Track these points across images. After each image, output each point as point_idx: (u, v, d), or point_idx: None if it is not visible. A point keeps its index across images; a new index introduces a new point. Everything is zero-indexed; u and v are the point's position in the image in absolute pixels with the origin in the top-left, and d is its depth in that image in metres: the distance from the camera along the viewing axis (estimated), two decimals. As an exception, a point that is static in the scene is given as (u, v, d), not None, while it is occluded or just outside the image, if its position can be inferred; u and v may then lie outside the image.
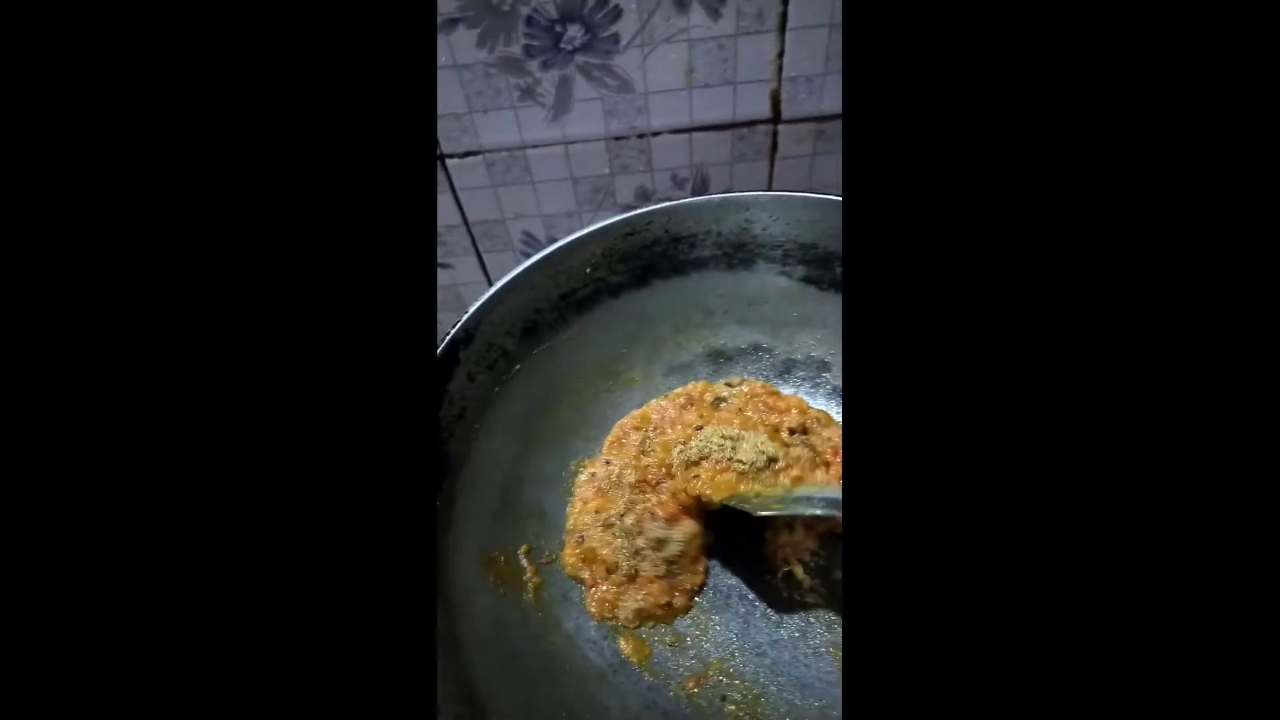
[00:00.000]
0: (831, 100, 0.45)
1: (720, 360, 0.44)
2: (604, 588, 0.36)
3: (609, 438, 0.41)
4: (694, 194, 0.50)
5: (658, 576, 0.36)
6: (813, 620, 0.36)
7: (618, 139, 0.46)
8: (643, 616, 0.36)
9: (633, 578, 0.36)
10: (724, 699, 0.34)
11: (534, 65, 0.41)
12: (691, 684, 0.34)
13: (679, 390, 0.42)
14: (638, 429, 0.40)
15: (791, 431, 0.39)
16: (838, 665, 0.35)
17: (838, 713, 0.34)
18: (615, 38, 0.41)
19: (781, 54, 0.42)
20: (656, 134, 0.46)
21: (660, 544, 0.36)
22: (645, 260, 0.42)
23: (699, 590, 0.37)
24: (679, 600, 0.37)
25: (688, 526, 0.36)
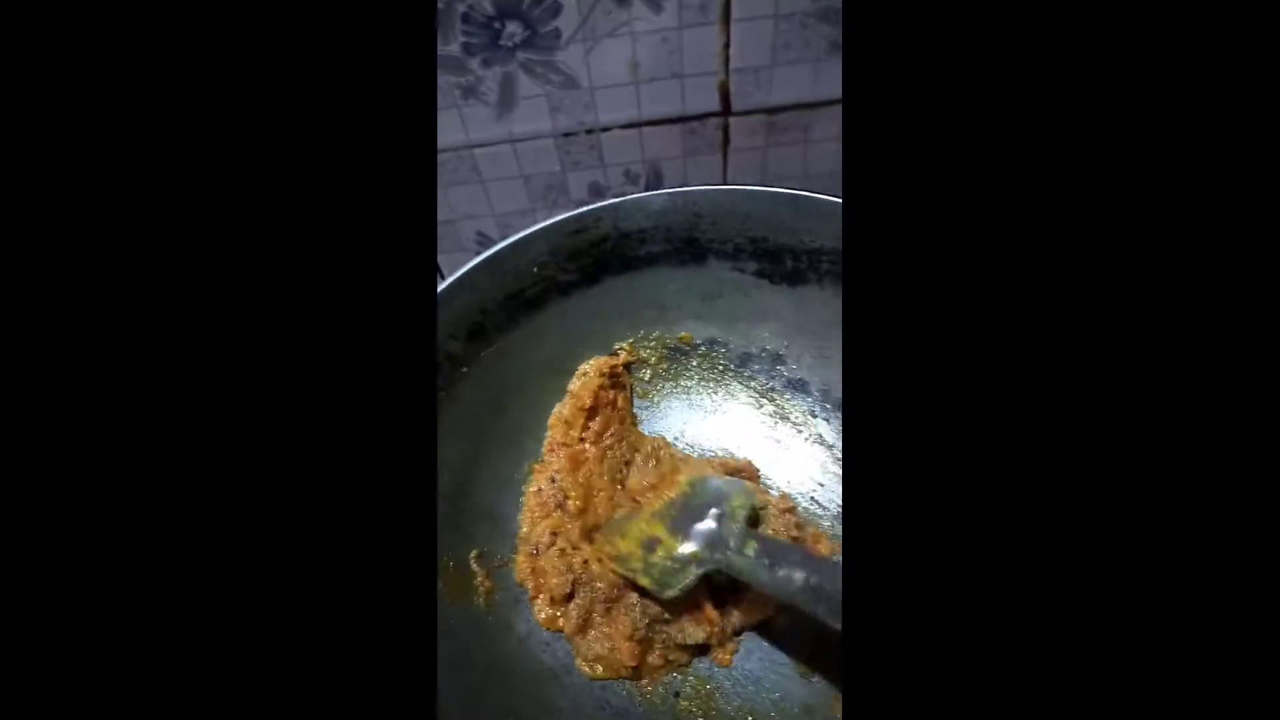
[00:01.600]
0: (781, 91, 0.45)
1: (676, 355, 0.44)
2: (554, 612, 0.36)
3: (548, 437, 0.40)
4: (647, 189, 0.49)
5: (629, 637, 0.34)
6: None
7: (567, 135, 0.45)
8: (605, 664, 0.34)
9: (585, 623, 0.35)
10: (677, 695, 0.34)
11: (474, 63, 0.41)
12: (644, 681, 0.34)
13: (591, 363, 0.42)
14: (569, 423, 0.40)
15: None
16: (790, 658, 0.35)
17: (791, 705, 0.34)
18: (556, 33, 0.40)
19: (728, 46, 0.42)
20: (606, 129, 0.45)
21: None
22: (595, 257, 0.41)
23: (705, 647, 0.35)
24: (657, 659, 0.34)
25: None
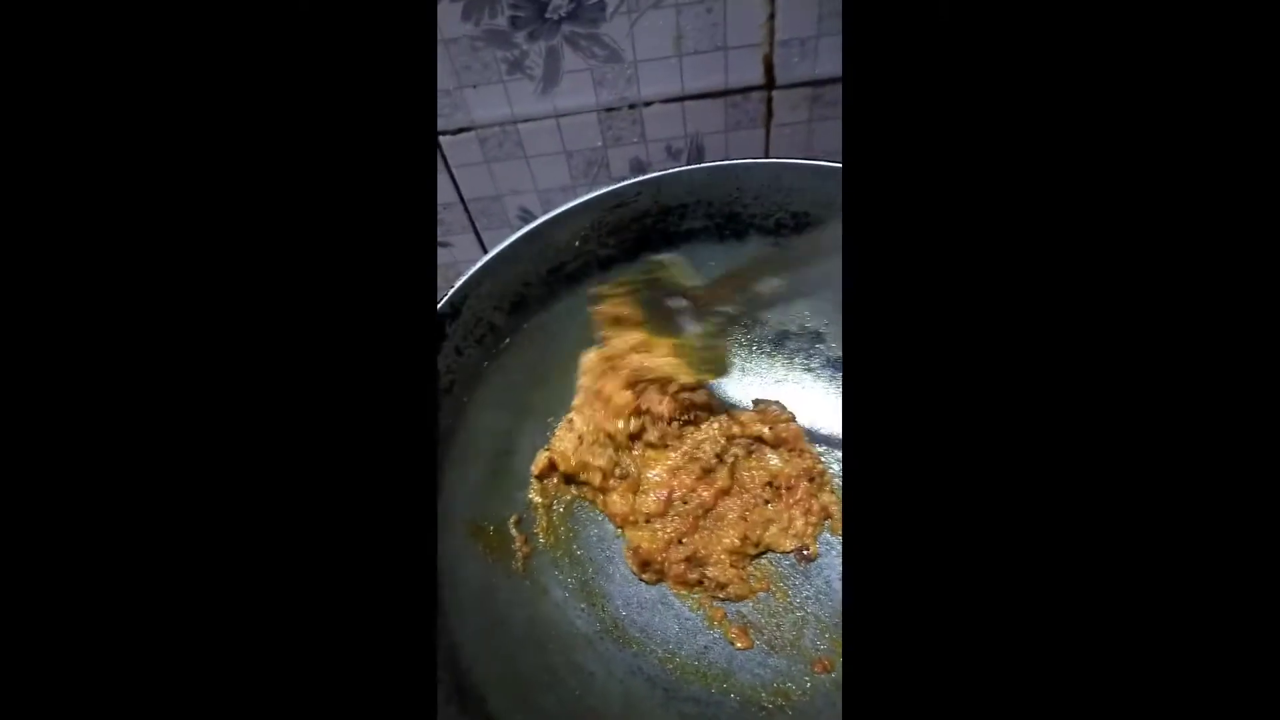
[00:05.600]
0: (826, 64, 0.44)
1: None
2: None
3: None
4: (689, 164, 0.49)
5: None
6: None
7: (609, 110, 0.45)
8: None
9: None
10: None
11: (520, 37, 0.41)
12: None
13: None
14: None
15: None
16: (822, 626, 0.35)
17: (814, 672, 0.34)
18: (601, 5, 0.40)
19: (773, 16, 0.41)
20: (648, 104, 0.45)
21: None
22: (635, 233, 0.41)
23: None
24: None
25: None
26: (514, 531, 0.37)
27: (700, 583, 0.37)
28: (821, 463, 0.41)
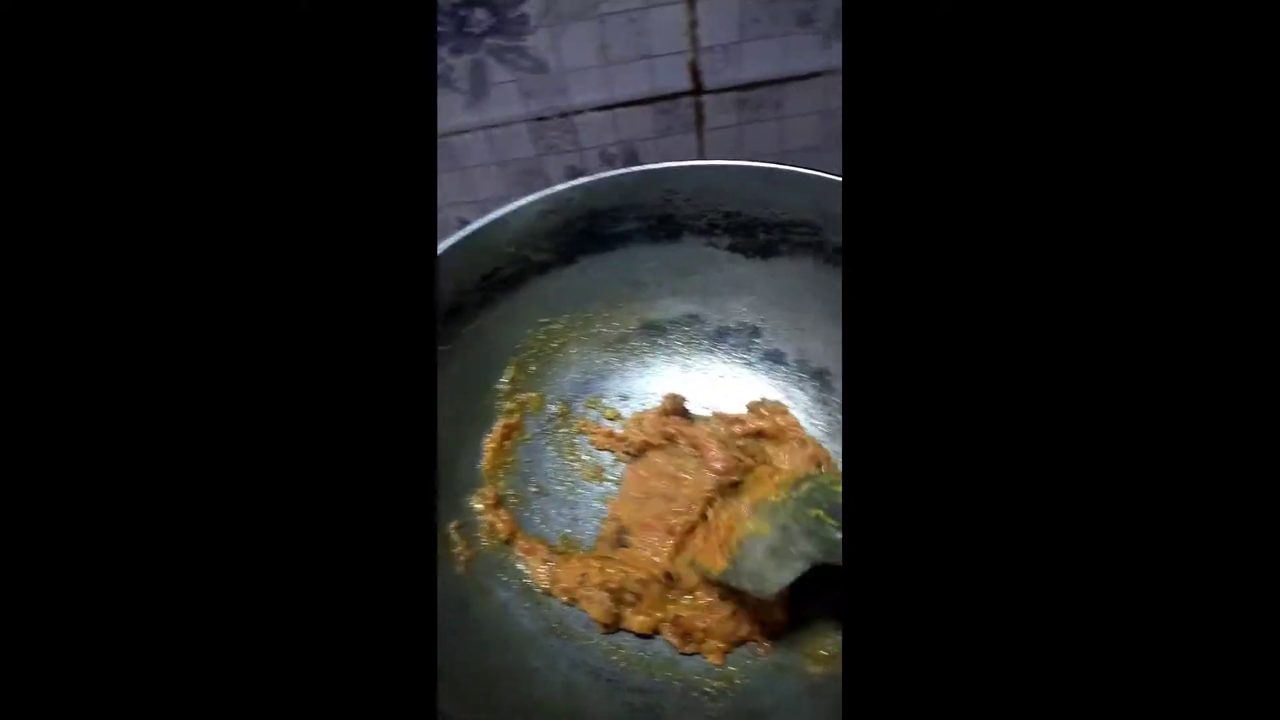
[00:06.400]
0: (751, 68, 0.45)
1: (654, 333, 0.45)
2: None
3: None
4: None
5: None
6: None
7: (540, 120, 0.46)
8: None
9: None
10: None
11: (444, 51, 0.42)
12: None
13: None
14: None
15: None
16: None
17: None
18: (523, 18, 0.41)
19: (695, 24, 0.43)
20: (579, 113, 0.46)
21: None
22: (569, 237, 0.42)
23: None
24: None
25: None
26: (454, 535, 0.37)
27: (744, 640, 0.34)
28: (823, 448, 0.40)
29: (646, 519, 0.37)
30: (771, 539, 0.32)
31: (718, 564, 0.33)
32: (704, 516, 0.36)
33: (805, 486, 0.32)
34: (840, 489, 0.31)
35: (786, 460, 0.37)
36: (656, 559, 0.35)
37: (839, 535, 0.29)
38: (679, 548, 0.35)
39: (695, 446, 0.38)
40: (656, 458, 0.39)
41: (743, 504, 0.35)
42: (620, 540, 0.37)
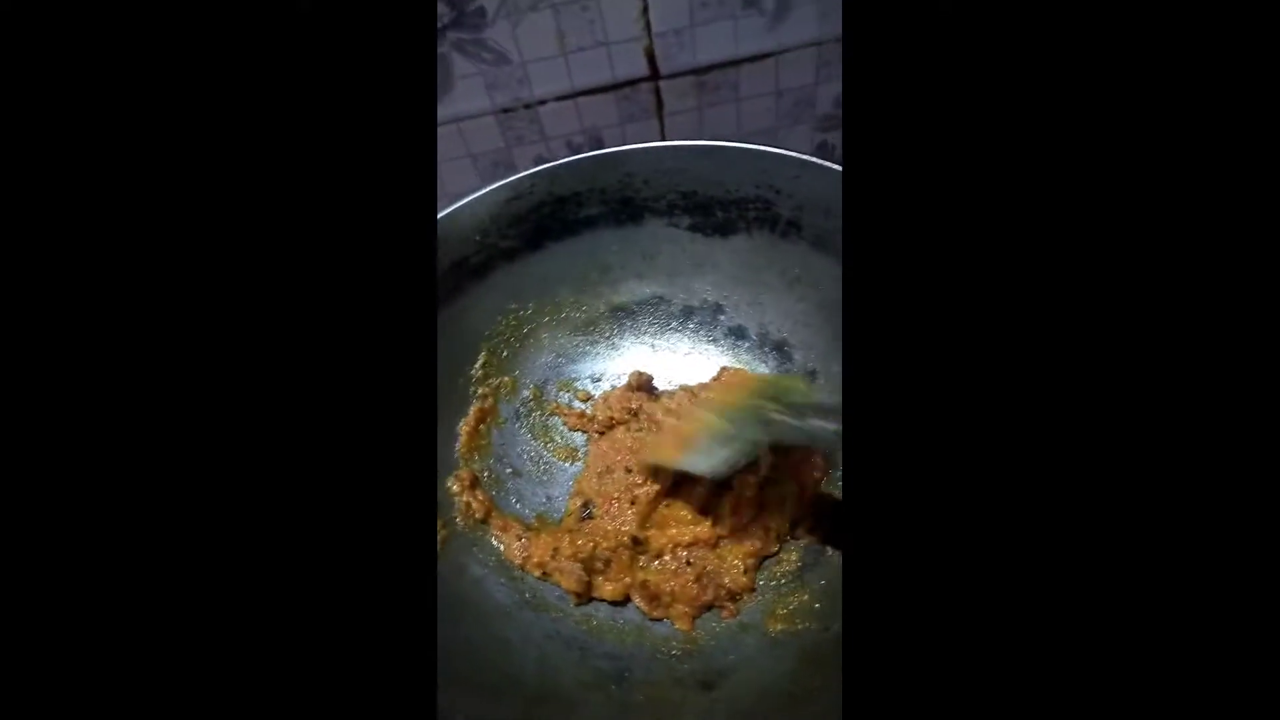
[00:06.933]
0: (705, 51, 0.46)
1: (622, 315, 0.46)
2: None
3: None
4: (587, 157, 0.51)
5: None
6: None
7: (506, 111, 0.47)
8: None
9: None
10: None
11: (406, 47, 0.43)
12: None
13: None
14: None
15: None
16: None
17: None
18: (481, 11, 0.42)
19: (646, 10, 0.44)
20: (542, 103, 0.47)
21: None
22: (534, 223, 0.43)
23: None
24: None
25: None
26: (430, 516, 0.38)
27: (710, 605, 0.36)
28: None
29: (611, 491, 0.38)
30: (722, 428, 0.34)
31: (673, 457, 0.35)
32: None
33: (761, 386, 0.35)
34: (798, 389, 0.34)
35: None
36: (625, 528, 0.36)
37: (787, 420, 0.32)
38: (644, 517, 0.36)
39: (653, 422, 0.39)
40: (618, 433, 0.40)
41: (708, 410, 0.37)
42: (586, 513, 0.38)
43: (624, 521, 0.37)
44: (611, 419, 0.41)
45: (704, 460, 0.34)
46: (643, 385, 0.42)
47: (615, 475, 0.38)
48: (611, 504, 0.37)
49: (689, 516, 0.36)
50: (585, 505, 0.39)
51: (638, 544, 0.36)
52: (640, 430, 0.40)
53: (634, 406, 0.40)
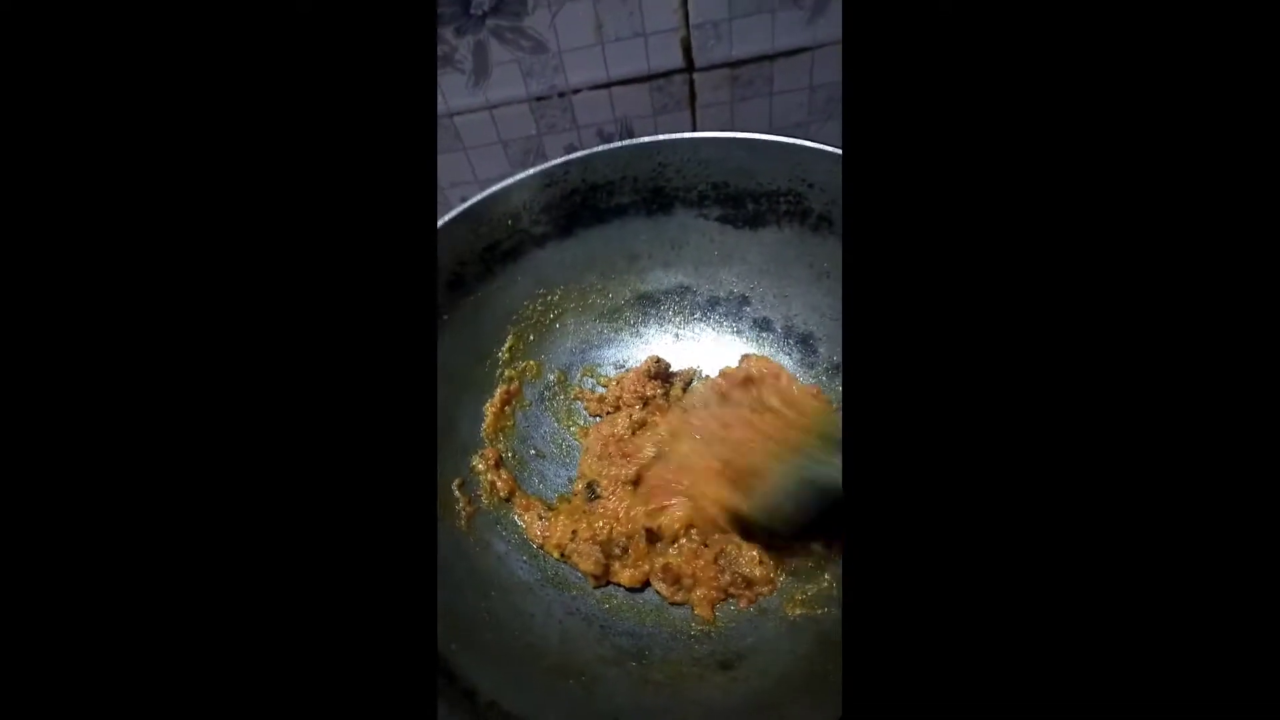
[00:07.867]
0: (741, 45, 0.47)
1: (647, 303, 0.46)
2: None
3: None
4: (619, 147, 0.52)
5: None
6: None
7: (540, 99, 0.48)
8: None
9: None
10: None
11: (448, 33, 0.44)
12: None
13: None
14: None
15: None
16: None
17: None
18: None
19: (685, 2, 0.44)
20: (576, 91, 0.48)
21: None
22: (566, 210, 0.44)
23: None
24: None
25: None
26: (456, 493, 0.39)
27: (729, 594, 0.36)
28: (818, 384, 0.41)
29: (609, 473, 0.39)
30: (796, 475, 0.34)
31: (743, 506, 0.35)
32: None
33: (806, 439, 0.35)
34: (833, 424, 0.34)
35: (778, 400, 0.38)
36: (633, 513, 0.37)
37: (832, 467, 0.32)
38: (652, 511, 0.37)
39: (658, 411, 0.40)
40: (619, 417, 0.41)
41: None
42: (593, 494, 0.39)
43: (631, 506, 0.38)
44: (619, 400, 0.42)
45: (777, 512, 0.34)
46: (659, 372, 0.43)
47: (612, 458, 0.39)
48: (614, 485, 0.38)
49: None
50: (590, 486, 0.39)
51: (652, 535, 0.37)
52: (646, 416, 0.41)
53: (646, 394, 0.41)
